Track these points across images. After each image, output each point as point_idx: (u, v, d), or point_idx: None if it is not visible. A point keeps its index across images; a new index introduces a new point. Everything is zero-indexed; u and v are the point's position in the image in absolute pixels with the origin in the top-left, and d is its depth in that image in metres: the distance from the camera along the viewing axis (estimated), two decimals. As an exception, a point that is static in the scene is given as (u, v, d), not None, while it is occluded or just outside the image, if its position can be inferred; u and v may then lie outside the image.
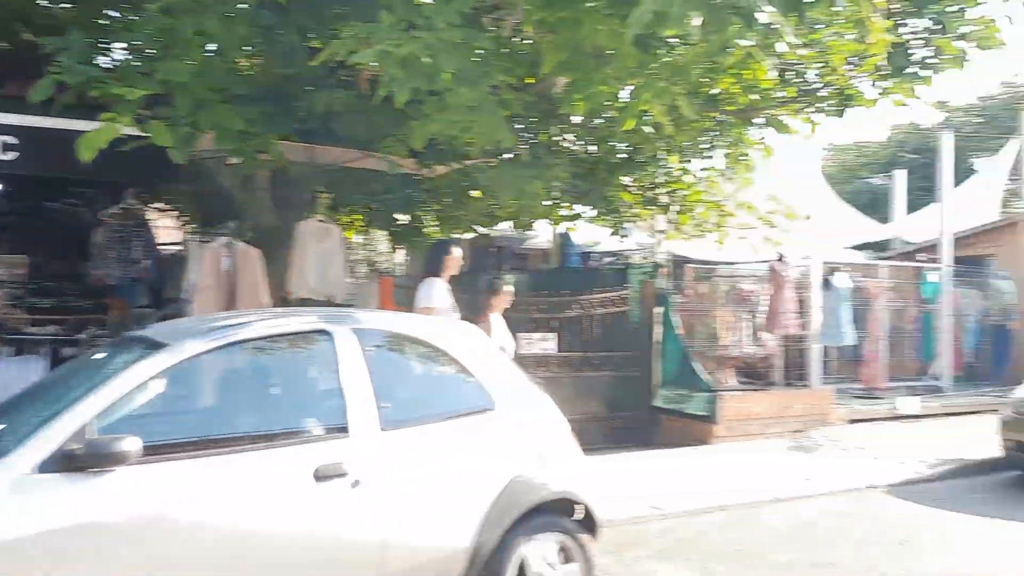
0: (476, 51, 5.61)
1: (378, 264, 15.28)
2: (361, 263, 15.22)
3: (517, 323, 9.66)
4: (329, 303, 8.68)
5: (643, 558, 5.79)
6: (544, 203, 9.13)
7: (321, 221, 9.27)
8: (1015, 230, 14.81)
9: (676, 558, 5.78)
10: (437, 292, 6.72)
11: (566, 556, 4.28)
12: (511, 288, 7.33)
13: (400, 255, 16.18)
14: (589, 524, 4.47)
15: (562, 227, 12.26)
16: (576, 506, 4.38)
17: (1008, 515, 6.84)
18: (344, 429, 3.82)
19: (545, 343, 9.45)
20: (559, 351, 9.48)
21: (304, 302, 8.37)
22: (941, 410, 12.00)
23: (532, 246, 15.01)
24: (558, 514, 4.33)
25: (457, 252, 6.93)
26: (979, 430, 10.22)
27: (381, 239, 16.02)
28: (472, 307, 6.89)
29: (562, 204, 9.99)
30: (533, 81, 7.15)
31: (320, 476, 3.62)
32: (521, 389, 4.58)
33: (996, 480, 8.32)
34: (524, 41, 6.42)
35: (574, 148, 8.82)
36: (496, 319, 7.15)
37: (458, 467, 4.06)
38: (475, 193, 9.51)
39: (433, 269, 6.86)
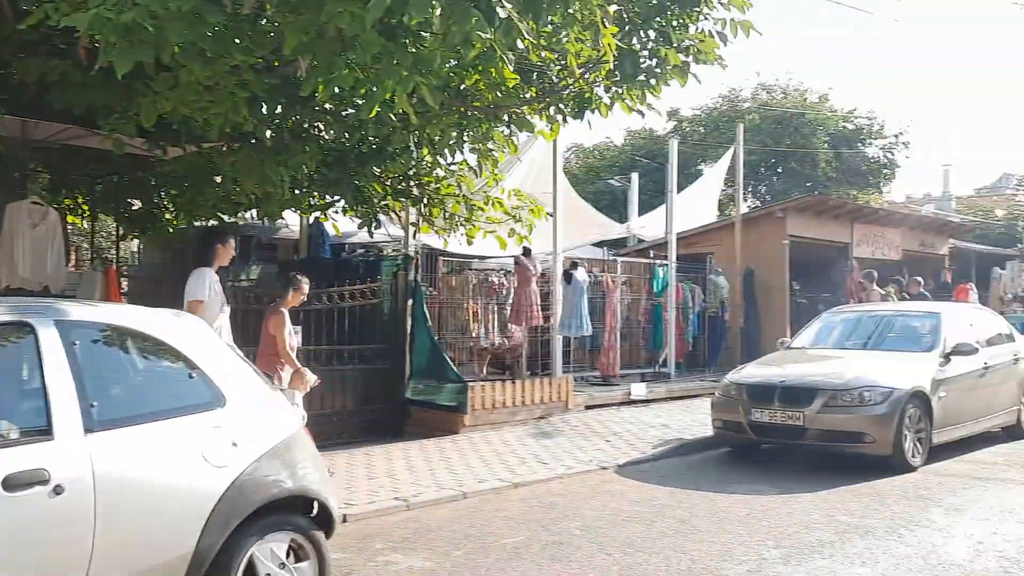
0: (211, 26, 5.30)
1: (105, 252, 14.07)
2: (85, 251, 13.96)
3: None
4: (45, 294, 7.89)
5: (384, 550, 5.78)
6: (291, 191, 8.82)
7: (36, 203, 8.40)
8: (731, 231, 16.42)
9: (417, 547, 5.82)
10: (208, 284, 6.46)
11: (298, 554, 4.16)
12: (308, 284, 7.44)
13: (134, 244, 15.03)
14: (326, 520, 4.38)
15: (312, 217, 11.96)
16: (312, 502, 4.28)
17: (717, 488, 7.56)
18: (46, 431, 3.46)
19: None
20: (308, 344, 9.23)
21: (17, 293, 7.53)
22: (667, 394, 13.08)
23: (282, 236, 14.50)
24: (292, 512, 4.21)
25: (231, 242, 6.76)
26: (698, 412, 11.27)
27: (110, 225, 14.81)
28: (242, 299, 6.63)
29: (310, 193, 9.73)
30: (277, 64, 6.88)
31: (13, 484, 3.24)
32: (253, 384, 4.39)
33: (710, 456, 9.18)
34: (266, 22, 6.14)
35: (323, 135, 8.59)
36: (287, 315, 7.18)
37: (179, 467, 3.79)
38: (216, 178, 9.00)
39: (204, 259, 6.60)
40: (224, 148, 8.06)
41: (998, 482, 7.72)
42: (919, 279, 16.78)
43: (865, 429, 8.06)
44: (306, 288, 7.43)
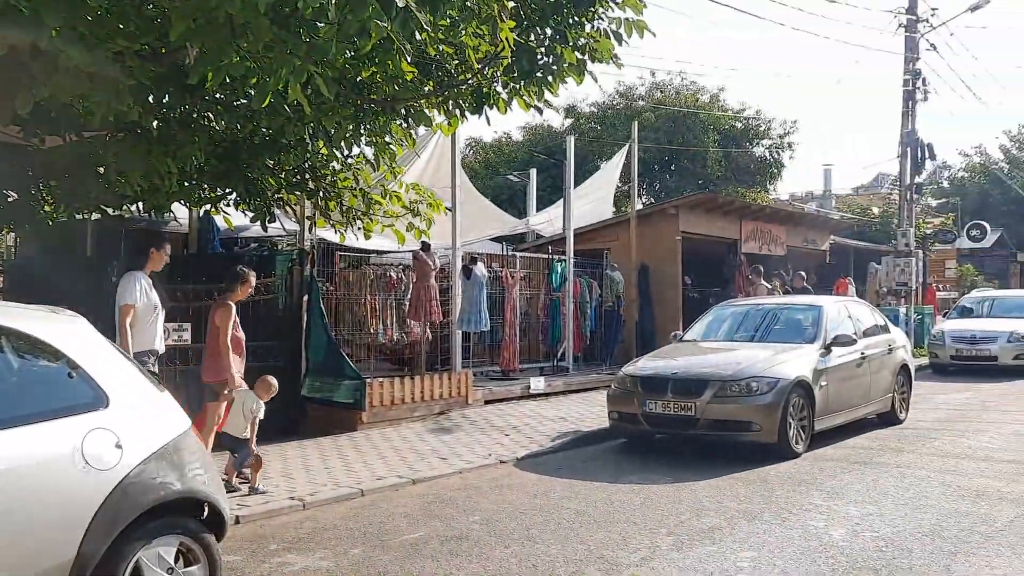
0: (92, 9, 5.06)
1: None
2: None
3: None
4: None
5: (279, 551, 5.66)
6: (179, 183, 8.51)
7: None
8: (626, 227, 16.76)
9: (313, 547, 5.73)
10: (140, 288, 6.36)
11: (188, 558, 4.03)
12: (254, 276, 7.66)
13: (10, 238, 14.19)
14: (216, 523, 4.26)
15: (202, 210, 11.56)
16: (202, 505, 4.15)
17: (613, 478, 7.72)
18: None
19: (181, 333, 8.86)
20: (199, 342, 8.94)
21: None
22: (565, 388, 13.27)
23: (170, 230, 13.96)
24: (181, 514, 4.08)
25: (167, 248, 6.82)
26: (595, 404, 11.47)
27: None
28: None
29: (200, 185, 9.40)
30: (164, 51, 6.62)
31: None
32: (139, 384, 4.22)
33: (606, 447, 9.36)
34: (152, 7, 5.90)
35: (213, 126, 8.32)
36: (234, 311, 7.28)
37: (56, 472, 3.60)
38: (99, 169, 8.59)
39: (136, 262, 6.54)
40: (107, 137, 7.72)
41: (874, 466, 8.15)
42: (802, 273, 17.55)
43: (752, 418, 8.37)
44: (253, 280, 7.62)
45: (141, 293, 6.42)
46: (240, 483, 7.16)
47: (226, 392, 7.12)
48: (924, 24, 21.07)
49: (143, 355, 6.57)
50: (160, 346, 6.72)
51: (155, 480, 3.91)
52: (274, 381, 7.38)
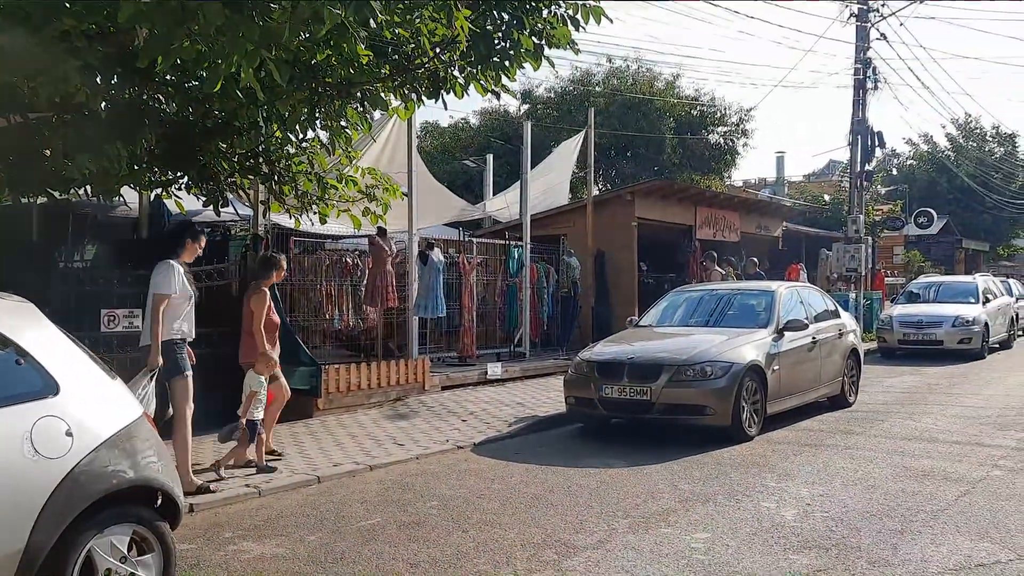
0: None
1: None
2: None
3: (101, 299, 8.77)
4: None
5: (234, 538, 5.61)
6: (129, 167, 8.32)
7: None
8: (583, 213, 16.84)
9: (269, 535, 5.69)
10: (176, 277, 6.53)
11: (142, 547, 3.98)
12: (285, 261, 8.22)
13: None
14: (171, 511, 4.21)
15: (153, 195, 11.33)
16: (156, 493, 4.10)
17: (570, 462, 7.78)
18: None
19: (132, 320, 8.70)
20: (148, 328, 8.80)
21: None
22: (522, 373, 13.32)
23: (120, 214, 13.67)
24: (134, 503, 4.02)
25: (202, 240, 7.05)
26: (552, 389, 11.54)
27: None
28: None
29: (150, 169, 9.21)
30: (113, 31, 6.46)
31: None
32: (90, 372, 4.14)
33: (563, 432, 9.43)
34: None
35: (164, 108, 8.14)
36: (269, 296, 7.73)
37: (1, 461, 3.52)
38: (46, 152, 8.36)
39: (172, 251, 6.70)
40: (54, 119, 7.51)
41: (825, 448, 8.33)
42: (755, 259, 17.82)
43: (707, 402, 8.49)
44: (284, 265, 8.19)
45: (177, 282, 6.56)
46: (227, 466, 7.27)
47: (265, 368, 7.50)
48: (874, 14, 21.42)
49: (177, 342, 6.66)
50: (192, 333, 6.83)
51: (107, 468, 3.85)
52: (274, 356, 7.63)
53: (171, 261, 6.65)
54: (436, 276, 12.64)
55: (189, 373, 6.65)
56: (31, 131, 7.69)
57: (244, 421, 7.26)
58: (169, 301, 6.51)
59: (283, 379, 8.04)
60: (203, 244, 7.18)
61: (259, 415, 7.37)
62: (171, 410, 6.56)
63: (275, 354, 7.69)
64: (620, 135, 29.52)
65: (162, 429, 6.55)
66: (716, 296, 10.94)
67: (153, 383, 6.29)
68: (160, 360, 6.40)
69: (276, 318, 7.98)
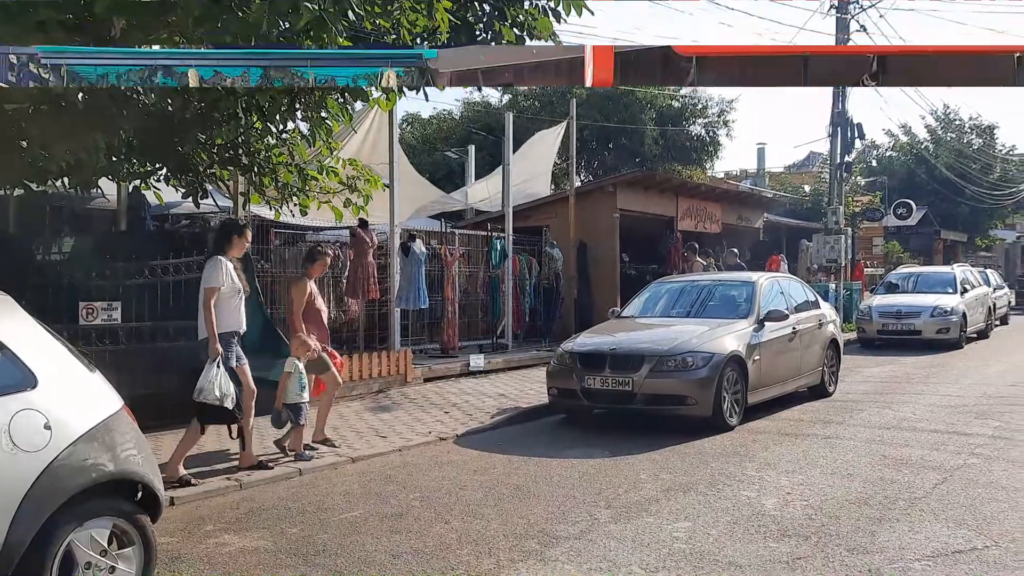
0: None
1: None
2: None
3: (79, 291, 8.68)
4: None
5: (215, 531, 5.59)
6: (107, 158, 8.25)
7: None
8: (565, 204, 16.84)
9: (250, 527, 5.68)
10: (224, 271, 6.66)
11: (122, 540, 3.96)
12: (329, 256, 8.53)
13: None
14: (151, 504, 4.19)
15: (131, 186, 11.23)
16: (136, 486, 4.07)
17: (552, 453, 7.80)
18: None
19: (110, 312, 8.64)
20: (129, 321, 8.73)
21: None
22: (504, 365, 13.33)
23: (98, 206, 13.54)
24: (114, 496, 4.00)
25: (248, 234, 7.17)
26: (535, 381, 11.55)
27: None
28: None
29: (128, 160, 9.13)
30: (90, 20, 6.40)
31: None
32: (68, 364, 4.11)
33: (546, 423, 9.45)
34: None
35: (142, 99, 8.07)
36: (312, 285, 8.01)
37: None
38: (22, 143, 8.27)
39: (219, 247, 6.82)
40: (30, 110, 7.43)
41: (804, 437, 8.40)
42: (735, 250, 17.89)
43: (688, 392, 8.53)
44: (328, 258, 8.59)
45: (226, 276, 6.67)
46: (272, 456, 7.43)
47: (307, 352, 7.60)
48: (854, 5, 21.51)
49: (229, 335, 6.72)
50: (243, 327, 6.93)
51: (86, 462, 3.83)
52: (310, 341, 7.70)
53: (219, 257, 6.77)
54: (418, 268, 12.61)
55: (235, 365, 6.74)
56: (7, 122, 7.61)
57: (282, 404, 7.38)
58: (218, 294, 6.62)
59: (334, 369, 8.11)
60: (249, 238, 7.31)
61: (303, 397, 7.45)
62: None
63: (314, 342, 7.75)
64: (602, 126, 29.52)
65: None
66: (697, 287, 10.98)
67: (222, 370, 6.48)
68: (219, 348, 6.52)
69: (321, 307, 8.23)
